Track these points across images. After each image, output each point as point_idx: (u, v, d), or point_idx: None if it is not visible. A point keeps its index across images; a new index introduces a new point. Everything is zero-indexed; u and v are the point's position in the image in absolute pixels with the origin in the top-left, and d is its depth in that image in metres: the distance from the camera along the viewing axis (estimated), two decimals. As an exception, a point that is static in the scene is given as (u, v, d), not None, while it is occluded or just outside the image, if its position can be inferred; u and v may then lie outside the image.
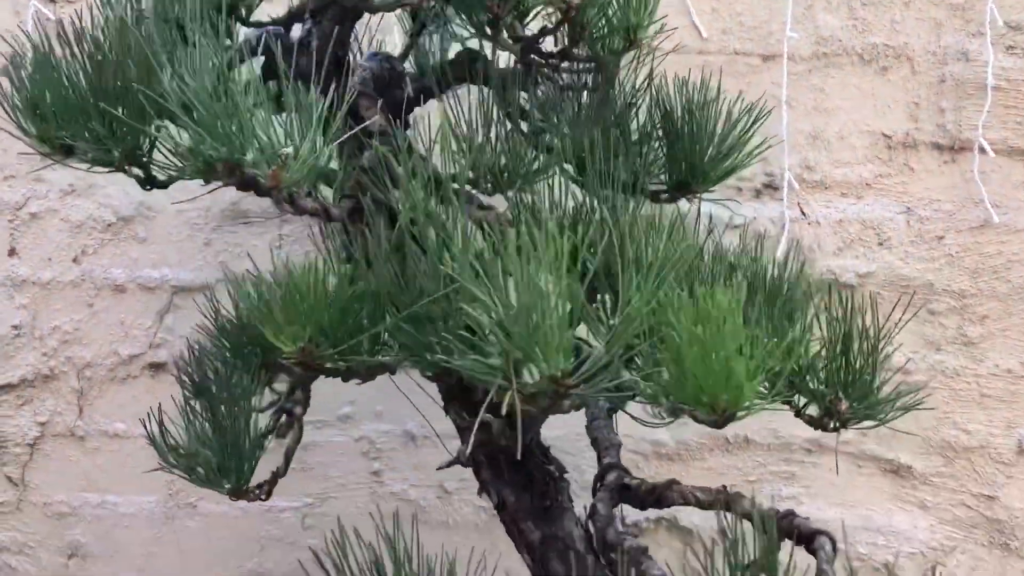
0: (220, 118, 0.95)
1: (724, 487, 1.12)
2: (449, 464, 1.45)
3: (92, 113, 1.05)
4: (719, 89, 1.30)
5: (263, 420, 1.21)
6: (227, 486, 1.09)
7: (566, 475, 1.31)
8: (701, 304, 0.87)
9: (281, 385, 1.26)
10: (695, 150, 1.22)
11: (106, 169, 1.11)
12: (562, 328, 0.83)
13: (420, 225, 1.00)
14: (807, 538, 1.08)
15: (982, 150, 1.84)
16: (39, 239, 1.96)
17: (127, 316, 1.95)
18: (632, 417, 1.14)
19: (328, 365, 1.00)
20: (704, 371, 0.86)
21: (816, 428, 1.10)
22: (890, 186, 1.87)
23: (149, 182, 1.13)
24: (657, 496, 1.14)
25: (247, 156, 0.95)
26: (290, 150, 0.97)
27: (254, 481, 1.19)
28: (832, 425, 1.09)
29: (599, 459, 1.20)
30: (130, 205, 1.95)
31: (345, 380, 1.08)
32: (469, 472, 1.34)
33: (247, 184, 1.01)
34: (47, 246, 1.96)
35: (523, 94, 1.22)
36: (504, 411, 0.85)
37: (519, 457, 1.27)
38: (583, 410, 1.30)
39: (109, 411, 1.95)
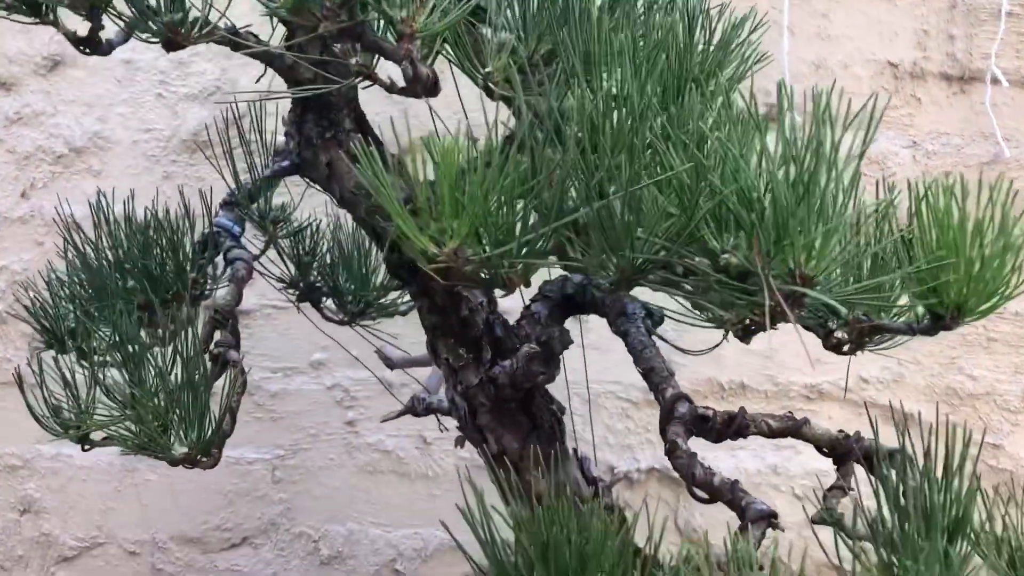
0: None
1: (790, 413, 1.03)
2: (399, 414, 1.34)
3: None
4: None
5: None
6: (180, 450, 0.93)
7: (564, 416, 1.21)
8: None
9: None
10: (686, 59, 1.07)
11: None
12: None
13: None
14: (886, 457, 0.99)
15: (994, 80, 1.74)
16: (-17, 172, 1.82)
17: (81, 256, 1.81)
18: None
19: (469, 271, 0.81)
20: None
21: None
22: (896, 118, 1.77)
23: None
24: (736, 427, 1.03)
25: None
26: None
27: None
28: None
29: (658, 389, 1.07)
30: (83, 136, 1.81)
31: (488, 289, 0.91)
32: (449, 421, 1.24)
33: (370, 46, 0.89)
34: (-8, 180, 1.82)
35: None
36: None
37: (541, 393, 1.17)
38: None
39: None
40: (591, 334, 1.83)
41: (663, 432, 1.01)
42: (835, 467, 1.04)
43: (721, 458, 1.78)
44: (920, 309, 0.93)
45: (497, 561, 0.84)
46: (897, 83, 1.77)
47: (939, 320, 0.92)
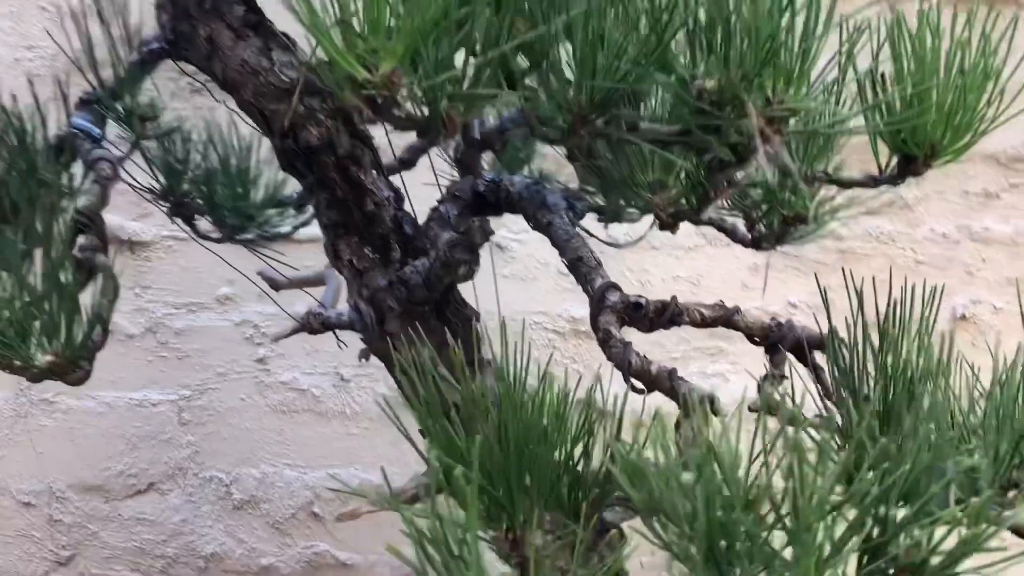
0: None
1: (722, 302, 0.97)
2: (292, 332, 1.21)
3: None
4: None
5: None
6: (43, 359, 0.81)
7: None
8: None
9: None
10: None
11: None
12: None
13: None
14: (816, 345, 0.96)
15: None
16: None
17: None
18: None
19: (400, 108, 0.69)
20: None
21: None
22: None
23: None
24: (669, 315, 0.97)
25: None
26: None
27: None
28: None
29: (586, 280, 1.00)
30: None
31: (421, 134, 0.78)
32: (371, 359, 1.14)
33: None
34: None
35: None
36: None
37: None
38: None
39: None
40: (515, 263, 1.76)
41: (594, 323, 0.94)
42: (767, 356, 1.00)
43: (649, 388, 1.74)
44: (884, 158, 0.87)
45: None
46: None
47: (910, 164, 0.87)
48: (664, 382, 0.90)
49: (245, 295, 1.70)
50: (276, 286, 1.29)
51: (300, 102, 1.00)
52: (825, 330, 0.94)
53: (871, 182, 0.92)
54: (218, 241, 1.21)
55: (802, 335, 0.97)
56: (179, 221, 1.17)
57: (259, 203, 1.19)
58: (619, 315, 0.93)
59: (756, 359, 1.81)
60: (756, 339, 1.00)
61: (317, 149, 1.01)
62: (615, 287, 0.94)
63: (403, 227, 1.06)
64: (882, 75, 0.85)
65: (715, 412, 0.88)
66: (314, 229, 1.13)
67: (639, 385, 0.92)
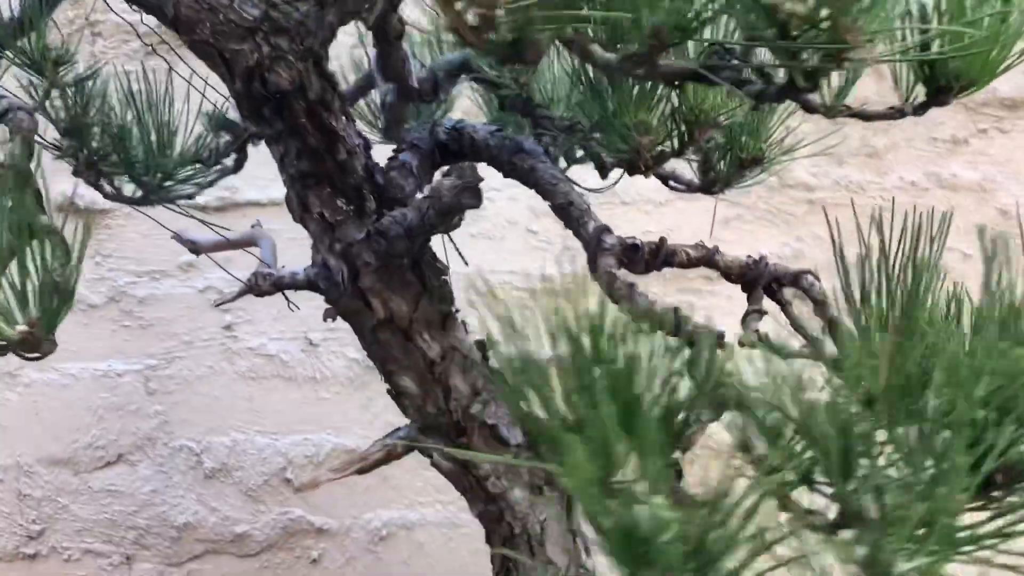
0: None
1: (702, 243, 0.99)
2: (238, 295, 1.15)
3: None
4: None
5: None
6: (15, 331, 0.75)
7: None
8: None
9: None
10: None
11: None
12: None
13: None
14: (791, 281, 0.97)
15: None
16: None
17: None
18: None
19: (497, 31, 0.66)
20: None
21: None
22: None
23: None
24: (663, 256, 0.96)
25: None
26: None
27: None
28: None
29: (579, 223, 0.98)
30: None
31: (509, 60, 0.75)
32: (339, 323, 1.11)
33: None
34: None
35: None
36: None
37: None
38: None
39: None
40: (483, 222, 1.74)
41: (593, 266, 0.93)
42: (746, 294, 1.01)
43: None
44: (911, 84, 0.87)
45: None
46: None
47: (939, 95, 0.87)
48: (669, 323, 0.89)
49: (208, 262, 1.67)
50: (196, 250, 1.23)
51: (267, 42, 0.93)
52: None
53: (896, 114, 0.92)
54: (131, 202, 1.14)
55: (776, 271, 0.98)
56: (81, 181, 1.08)
57: (177, 160, 1.13)
58: (618, 257, 0.92)
59: (729, 311, 1.82)
60: (733, 278, 1.02)
61: (287, 94, 0.94)
62: (608, 230, 0.94)
63: (375, 176, 1.01)
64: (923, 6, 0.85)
65: (721, 347, 0.89)
66: (236, 194, 1.07)
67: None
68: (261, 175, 1.28)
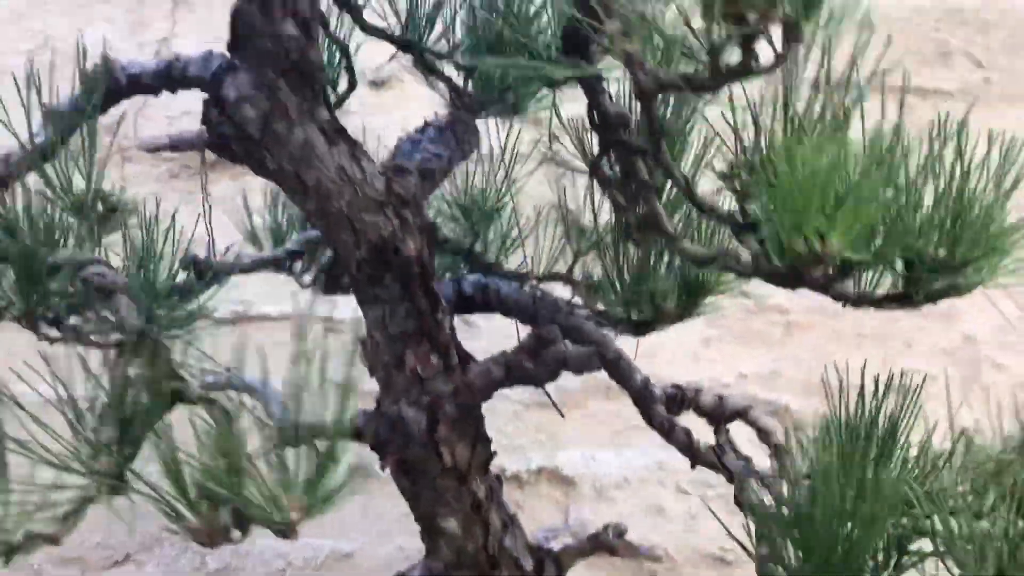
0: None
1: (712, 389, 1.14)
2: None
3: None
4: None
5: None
6: None
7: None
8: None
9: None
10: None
11: None
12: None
13: None
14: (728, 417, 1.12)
15: None
16: None
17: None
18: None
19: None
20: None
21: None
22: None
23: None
24: (687, 404, 1.14)
25: None
26: None
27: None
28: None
29: (626, 377, 1.13)
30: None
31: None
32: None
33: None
34: None
35: None
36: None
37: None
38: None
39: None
40: (480, 339, 1.83)
41: (648, 416, 1.10)
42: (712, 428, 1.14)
43: (609, 458, 1.82)
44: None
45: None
46: None
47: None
48: (711, 456, 1.06)
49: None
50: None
51: (397, 215, 0.98)
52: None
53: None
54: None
55: (736, 406, 1.11)
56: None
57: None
58: (667, 406, 1.06)
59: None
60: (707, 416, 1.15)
61: (411, 260, 1.00)
62: (649, 380, 1.08)
63: (455, 332, 1.07)
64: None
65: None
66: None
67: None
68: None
